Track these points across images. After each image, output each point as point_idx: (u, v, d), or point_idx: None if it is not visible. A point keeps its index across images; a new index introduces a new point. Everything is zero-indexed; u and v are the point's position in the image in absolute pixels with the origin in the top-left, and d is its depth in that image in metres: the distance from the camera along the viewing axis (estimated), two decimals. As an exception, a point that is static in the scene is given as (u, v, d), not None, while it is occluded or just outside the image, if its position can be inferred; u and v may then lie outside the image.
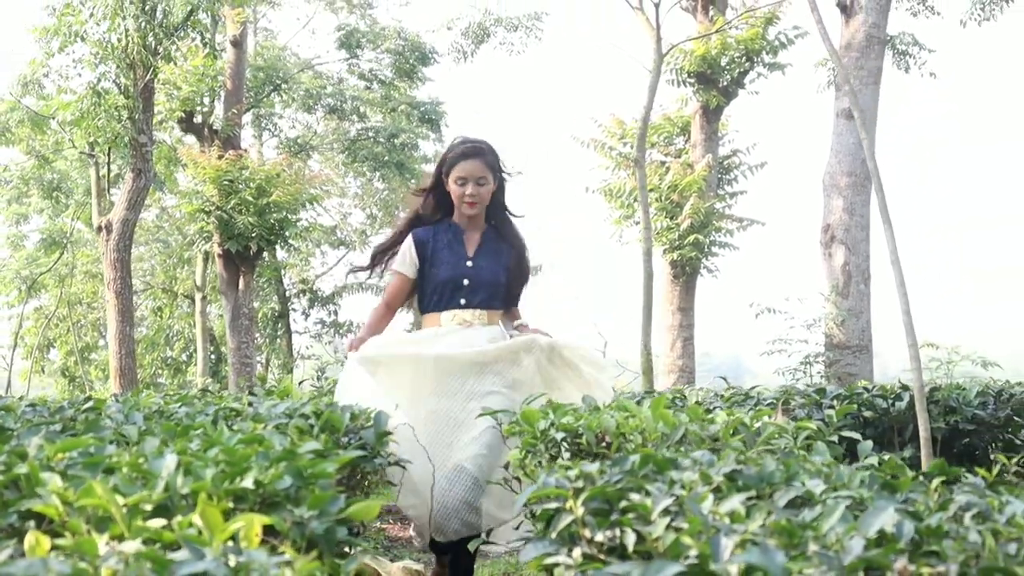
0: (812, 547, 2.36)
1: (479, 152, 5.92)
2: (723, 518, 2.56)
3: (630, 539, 2.57)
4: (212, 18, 19.47)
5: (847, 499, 2.84)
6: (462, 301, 5.87)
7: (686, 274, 20.49)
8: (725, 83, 20.22)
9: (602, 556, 2.66)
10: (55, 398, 9.05)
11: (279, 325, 31.23)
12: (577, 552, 2.70)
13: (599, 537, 2.70)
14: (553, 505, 2.84)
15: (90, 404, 4.89)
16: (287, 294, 31.30)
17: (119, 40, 15.32)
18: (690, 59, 19.71)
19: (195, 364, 30.02)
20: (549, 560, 2.71)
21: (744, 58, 19.81)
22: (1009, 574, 2.33)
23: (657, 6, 14.46)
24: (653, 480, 2.93)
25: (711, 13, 19.97)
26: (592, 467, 2.93)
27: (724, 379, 8.35)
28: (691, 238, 19.96)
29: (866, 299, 12.57)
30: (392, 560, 6.73)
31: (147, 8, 15.18)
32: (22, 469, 2.70)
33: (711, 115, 20.65)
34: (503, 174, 6.07)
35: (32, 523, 2.56)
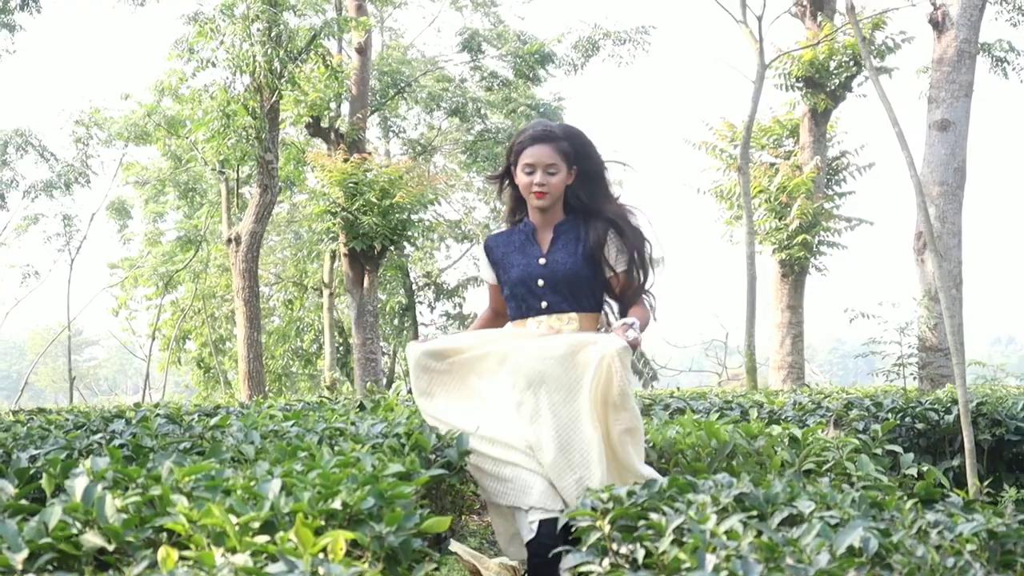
0: (788, 560, 2.92)
1: (549, 136, 5.19)
2: (721, 536, 3.11)
3: (640, 553, 3.14)
4: (338, 26, 20.27)
5: (835, 518, 3.39)
6: (543, 304, 5.16)
7: (794, 273, 20.90)
8: (833, 87, 20.57)
9: (626, 566, 3.23)
10: (189, 402, 9.76)
11: (406, 317, 31.83)
12: (606, 562, 3.28)
13: (623, 550, 3.27)
14: (587, 523, 3.41)
15: (215, 421, 5.51)
16: (413, 287, 31.86)
17: (247, 65, 16.17)
18: (798, 64, 20.10)
19: (324, 357, 30.76)
20: (584, 568, 3.29)
21: (851, 62, 20.14)
22: (937, 582, 2.88)
23: (760, 19, 14.93)
24: (674, 501, 3.49)
25: (819, 19, 20.31)
26: (621, 491, 3.50)
27: (808, 386, 8.80)
28: (799, 238, 20.44)
29: (957, 304, 12.94)
30: (493, 556, 7.12)
31: (273, 35, 15.99)
32: (156, 491, 3.31)
33: (819, 118, 20.98)
34: (595, 164, 5.31)
35: (164, 536, 3.12)
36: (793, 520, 3.38)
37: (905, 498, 3.75)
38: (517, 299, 5.24)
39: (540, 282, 5.15)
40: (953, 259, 12.92)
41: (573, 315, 5.13)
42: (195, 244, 32.09)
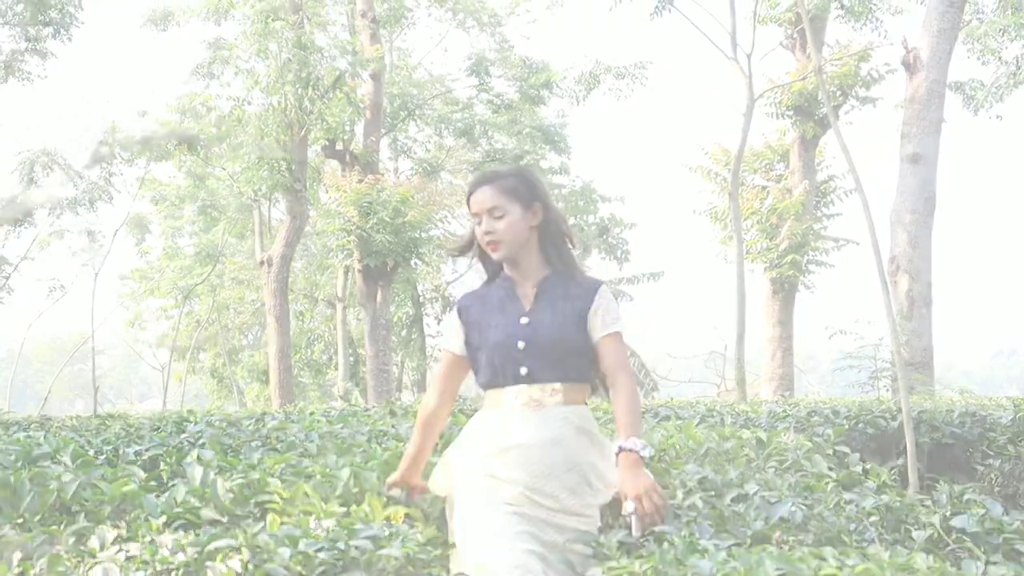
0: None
1: (490, 178, 4.58)
2: (685, 508, 4.17)
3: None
4: (360, 66, 21.39)
5: (775, 497, 4.44)
6: (522, 371, 4.38)
7: (784, 290, 21.99)
8: (821, 115, 21.69)
9: (614, 531, 4.26)
10: (230, 409, 10.71)
11: (413, 329, 32.60)
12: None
13: (612, 519, 4.31)
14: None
15: (274, 423, 6.52)
16: (420, 300, 32.62)
17: (279, 103, 17.31)
18: (788, 94, 21.18)
19: (335, 367, 31.46)
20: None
21: (839, 92, 21.26)
22: (839, 539, 3.94)
23: (749, 56, 15.96)
24: (652, 484, 4.53)
25: (808, 51, 21.32)
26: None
27: (784, 396, 9.74)
28: (789, 257, 21.53)
29: (927, 322, 13.98)
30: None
31: (303, 76, 17.12)
32: (255, 475, 4.34)
33: (808, 144, 22.15)
34: (555, 212, 4.61)
35: (258, 510, 4.13)
36: (743, 498, 4.43)
37: (830, 483, 4.79)
38: (494, 367, 4.47)
39: (520, 344, 4.41)
40: (923, 281, 13.96)
41: (557, 385, 4.38)
42: (213, 259, 32.92)
